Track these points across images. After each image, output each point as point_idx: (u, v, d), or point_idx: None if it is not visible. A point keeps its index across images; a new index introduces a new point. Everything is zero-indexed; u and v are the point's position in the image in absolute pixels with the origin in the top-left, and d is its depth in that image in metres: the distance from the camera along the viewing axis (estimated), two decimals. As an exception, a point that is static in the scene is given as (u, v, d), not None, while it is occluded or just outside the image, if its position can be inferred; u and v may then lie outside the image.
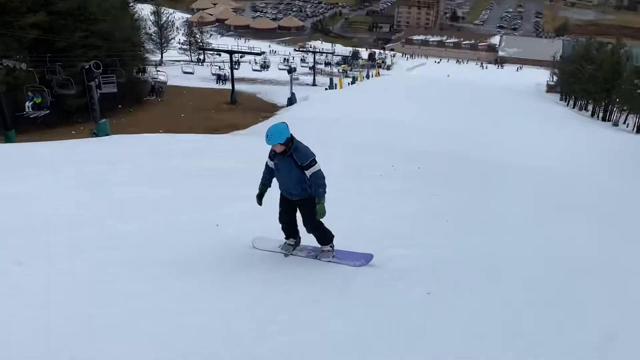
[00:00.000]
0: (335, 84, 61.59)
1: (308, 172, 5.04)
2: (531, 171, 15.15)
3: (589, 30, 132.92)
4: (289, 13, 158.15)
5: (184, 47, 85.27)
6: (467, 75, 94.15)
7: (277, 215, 5.51)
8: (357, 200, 8.51)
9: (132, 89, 39.79)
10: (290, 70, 48.01)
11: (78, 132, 32.67)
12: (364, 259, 5.52)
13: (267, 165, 5.34)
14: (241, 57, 56.30)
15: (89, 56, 33.00)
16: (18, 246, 5.50)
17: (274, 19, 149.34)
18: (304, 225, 5.42)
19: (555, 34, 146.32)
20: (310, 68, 72.42)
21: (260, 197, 5.38)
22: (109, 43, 36.80)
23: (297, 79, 54.92)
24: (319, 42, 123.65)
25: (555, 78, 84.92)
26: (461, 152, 19.44)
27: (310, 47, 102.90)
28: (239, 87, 55.11)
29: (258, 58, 62.73)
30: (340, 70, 75.83)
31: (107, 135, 20.23)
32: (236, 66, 60.50)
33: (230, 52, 45.87)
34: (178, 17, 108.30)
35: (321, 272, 5.36)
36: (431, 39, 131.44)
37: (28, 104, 23.20)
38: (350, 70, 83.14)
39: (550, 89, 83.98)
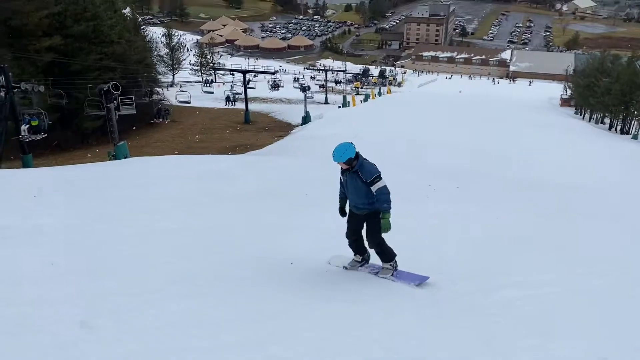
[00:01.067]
0: (349, 101, 61.21)
1: (373, 188, 5.27)
2: (587, 191, 14.27)
3: (600, 43, 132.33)
4: (298, 32, 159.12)
5: (195, 67, 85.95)
6: (479, 91, 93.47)
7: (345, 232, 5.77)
8: (416, 225, 7.80)
9: (145, 110, 39.63)
10: (305, 89, 47.52)
11: (94, 155, 32.38)
12: (419, 280, 5.57)
13: (340, 181, 5.70)
14: (254, 76, 56.01)
15: (104, 78, 32.93)
16: (74, 299, 4.56)
17: (283, 39, 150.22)
18: (367, 239, 5.61)
19: (566, 48, 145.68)
20: (321, 86, 72.26)
21: (342, 210, 5.77)
22: (124, 65, 36.70)
23: (312, 97, 54.53)
24: (329, 60, 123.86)
25: (569, 91, 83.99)
26: (493, 169, 18.67)
27: (321, 65, 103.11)
28: (251, 106, 54.95)
29: (268, 77, 62.77)
30: (353, 88, 75.41)
31: (125, 157, 19.77)
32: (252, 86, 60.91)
33: (244, 72, 45.67)
34: (188, 38, 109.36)
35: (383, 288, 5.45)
36: (441, 55, 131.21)
37: (24, 127, 22.20)
38: (362, 87, 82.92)
39: (564, 102, 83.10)
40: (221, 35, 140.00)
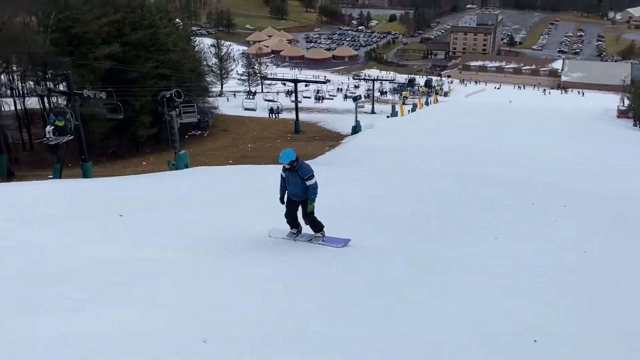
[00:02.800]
0: (397, 111, 60.04)
1: (307, 183, 7.20)
2: None
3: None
4: (343, 43, 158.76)
5: (243, 77, 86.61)
6: (529, 101, 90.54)
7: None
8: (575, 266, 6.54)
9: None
10: (355, 98, 46.67)
11: (149, 163, 32.39)
12: (344, 242, 7.65)
13: (282, 177, 7.45)
14: (306, 85, 55.49)
15: (160, 86, 32.96)
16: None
17: (327, 49, 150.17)
18: (303, 217, 7.59)
19: (622, 57, 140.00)
20: (367, 97, 71.34)
21: (282, 199, 7.59)
22: (178, 73, 36.78)
23: (362, 106, 53.55)
24: (374, 70, 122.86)
25: (626, 102, 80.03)
26: (576, 183, 17.16)
27: (365, 75, 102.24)
28: (300, 116, 54.50)
29: (312, 88, 62.24)
30: (402, 97, 74.16)
31: (186, 166, 19.29)
32: (290, 95, 60.48)
33: (295, 81, 45.16)
34: (235, 49, 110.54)
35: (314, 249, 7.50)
36: (489, 65, 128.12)
37: (49, 128, 20.80)
38: (410, 97, 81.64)
39: (621, 114, 79.14)
40: (267, 46, 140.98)
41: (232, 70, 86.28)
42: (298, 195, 7.39)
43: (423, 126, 44.66)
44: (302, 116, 54.31)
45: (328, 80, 56.65)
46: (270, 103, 50.13)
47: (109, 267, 5.55)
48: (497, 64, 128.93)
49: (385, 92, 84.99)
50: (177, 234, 7.69)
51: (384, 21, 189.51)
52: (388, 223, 9.28)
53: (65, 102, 20.04)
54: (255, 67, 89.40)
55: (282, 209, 7.64)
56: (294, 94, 55.27)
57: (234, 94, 67.87)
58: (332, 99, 62.55)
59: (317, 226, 7.70)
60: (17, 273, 5.11)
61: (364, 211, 9.97)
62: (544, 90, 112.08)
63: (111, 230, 7.63)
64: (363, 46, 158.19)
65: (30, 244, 6.45)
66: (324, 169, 20.43)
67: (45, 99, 33.84)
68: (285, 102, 58.04)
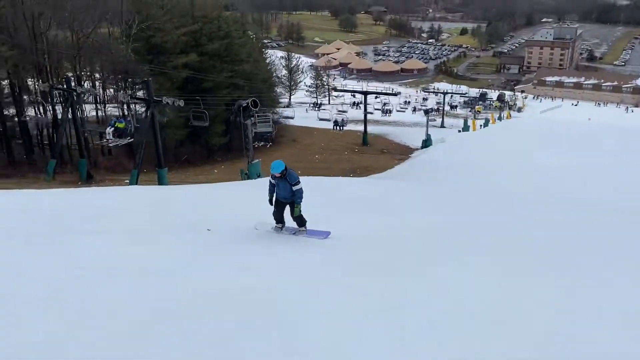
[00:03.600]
0: (469, 125, 58.11)
1: (294, 188, 8.43)
2: None
3: None
4: (412, 55, 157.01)
5: (311, 89, 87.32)
6: (610, 120, 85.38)
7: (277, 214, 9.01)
8: None
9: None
10: (427, 112, 45.44)
11: (220, 172, 32.74)
12: (324, 235, 8.94)
13: (270, 182, 8.65)
14: (375, 97, 54.75)
15: (233, 96, 33.31)
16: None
17: (396, 62, 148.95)
18: (291, 215, 8.79)
19: None
20: (437, 110, 69.52)
21: (271, 201, 8.75)
22: (251, 83, 37.12)
23: (434, 120, 52.10)
24: (443, 83, 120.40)
25: None
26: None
27: (434, 88, 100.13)
28: (361, 128, 53.91)
29: (378, 100, 61.12)
30: (475, 111, 71.88)
31: (259, 176, 19.05)
32: (356, 107, 59.81)
33: (365, 93, 44.57)
34: (304, 61, 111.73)
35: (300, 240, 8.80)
36: (567, 80, 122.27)
37: (109, 129, 21.11)
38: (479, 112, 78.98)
39: None
40: (335, 59, 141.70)
41: (300, 82, 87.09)
42: (286, 198, 8.60)
43: (499, 143, 42.72)
44: (370, 128, 53.60)
45: (398, 93, 55.48)
46: (335, 115, 48.47)
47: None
48: (575, 79, 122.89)
49: (456, 106, 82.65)
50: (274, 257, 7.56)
51: (455, 34, 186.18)
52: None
53: (144, 109, 20.25)
54: (323, 79, 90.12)
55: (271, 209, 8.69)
56: (359, 106, 54.70)
57: (303, 106, 68.07)
58: (403, 111, 61.10)
59: (302, 222, 8.93)
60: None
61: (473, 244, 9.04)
62: (627, 108, 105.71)
63: (217, 253, 7.53)
64: (433, 59, 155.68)
65: (140, 264, 6.51)
66: (404, 185, 19.58)
67: (125, 106, 35.01)
68: (350, 114, 57.29)
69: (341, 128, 49.35)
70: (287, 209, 8.79)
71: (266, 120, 22.55)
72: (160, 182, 20.89)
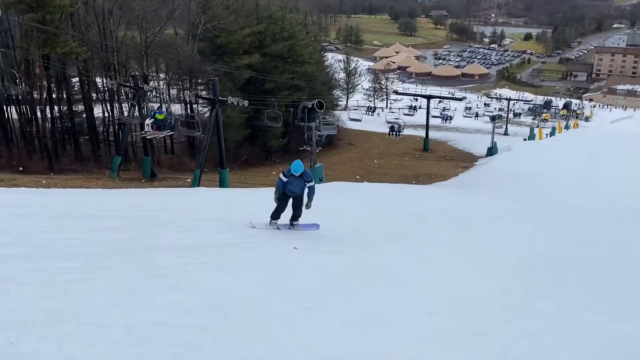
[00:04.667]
0: (535, 134, 55.64)
1: (309, 184, 9.13)
2: None
3: None
4: (473, 60, 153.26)
5: (369, 92, 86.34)
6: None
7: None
8: None
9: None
10: (494, 118, 43.59)
11: (278, 173, 32.37)
12: (315, 227, 9.85)
13: (281, 180, 9.23)
14: (439, 102, 53.23)
15: (294, 97, 32.90)
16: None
17: (457, 67, 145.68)
18: (296, 210, 9.51)
19: None
20: (499, 118, 66.97)
21: (278, 199, 9.37)
22: (313, 84, 36.66)
23: (501, 127, 50.04)
24: (505, 89, 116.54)
25: None
26: None
27: (496, 94, 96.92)
28: (419, 133, 52.43)
29: (438, 107, 59.25)
30: (542, 119, 68.93)
31: (321, 180, 18.37)
32: (413, 112, 58.10)
33: (428, 97, 43.22)
34: (362, 64, 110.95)
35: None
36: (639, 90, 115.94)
37: (148, 121, 20.48)
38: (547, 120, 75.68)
39: None
40: (394, 62, 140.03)
41: (358, 85, 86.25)
42: (296, 192, 9.06)
43: (568, 153, 40.43)
44: (431, 134, 52.17)
45: (464, 97, 53.71)
46: (392, 120, 46.58)
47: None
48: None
49: (520, 114, 79.56)
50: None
51: (518, 40, 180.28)
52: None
53: (209, 109, 20.02)
54: (382, 82, 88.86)
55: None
56: (416, 110, 53.14)
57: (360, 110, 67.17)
58: (470, 117, 58.91)
59: (298, 217, 9.51)
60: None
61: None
62: None
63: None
64: (495, 65, 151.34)
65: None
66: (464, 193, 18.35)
67: (188, 106, 35.35)
68: (406, 119, 55.58)
69: (397, 134, 47.41)
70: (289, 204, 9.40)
71: (330, 123, 21.84)
72: (222, 183, 20.59)
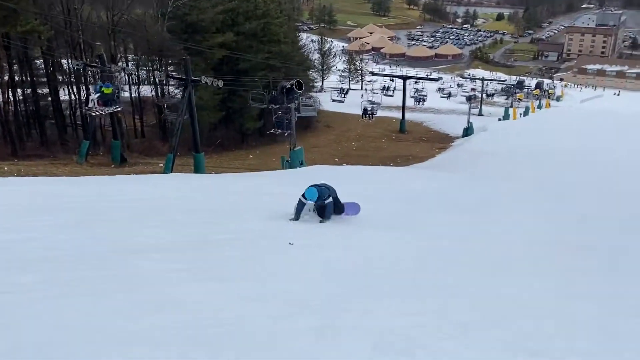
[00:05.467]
0: (510, 114, 55.87)
1: (326, 202, 8.68)
2: None
3: None
4: (446, 41, 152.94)
5: (344, 74, 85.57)
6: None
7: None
8: None
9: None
10: (470, 98, 43.33)
11: (255, 157, 31.57)
12: (356, 209, 9.30)
13: (300, 202, 8.67)
14: (416, 82, 52.63)
15: (270, 78, 31.95)
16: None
17: (430, 47, 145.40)
18: (322, 216, 8.96)
19: None
20: (473, 98, 66.99)
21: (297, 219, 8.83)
22: (289, 64, 35.72)
23: (477, 107, 49.87)
24: (479, 70, 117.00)
25: None
26: None
27: (469, 74, 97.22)
28: (394, 115, 52.00)
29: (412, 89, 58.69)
30: (515, 99, 69.36)
31: (301, 164, 17.69)
32: (392, 93, 57.42)
33: (404, 78, 42.71)
34: (336, 45, 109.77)
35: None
36: (609, 69, 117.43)
37: (93, 96, 18.91)
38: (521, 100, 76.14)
39: None
40: (367, 43, 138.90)
41: (333, 66, 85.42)
42: (320, 203, 8.76)
43: (544, 133, 40.60)
44: (407, 115, 51.77)
45: (440, 78, 53.38)
46: (365, 103, 43.34)
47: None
48: (617, 68, 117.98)
49: (493, 95, 79.81)
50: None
51: (490, 20, 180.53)
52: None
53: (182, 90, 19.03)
54: (357, 63, 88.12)
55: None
56: (389, 91, 52.18)
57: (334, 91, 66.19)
58: (446, 97, 58.48)
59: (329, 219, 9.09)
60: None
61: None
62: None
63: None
64: (468, 45, 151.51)
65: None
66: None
67: (159, 88, 34.08)
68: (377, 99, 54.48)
69: (370, 117, 45.37)
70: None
71: (309, 105, 21.10)
72: (197, 168, 19.73)
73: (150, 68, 34.84)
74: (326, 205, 8.61)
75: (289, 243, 7.13)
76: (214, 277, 5.50)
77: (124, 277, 5.21)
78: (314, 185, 8.55)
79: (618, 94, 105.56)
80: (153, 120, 37.11)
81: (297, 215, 8.67)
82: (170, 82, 32.96)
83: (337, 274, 6.00)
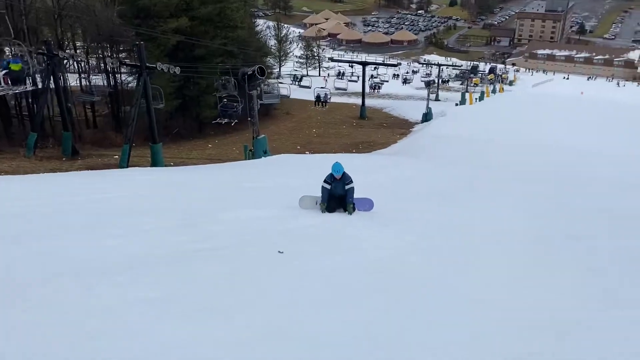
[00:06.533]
0: (466, 99, 56.58)
1: (347, 187, 8.70)
2: None
3: None
4: (401, 27, 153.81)
5: (301, 60, 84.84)
6: (603, 94, 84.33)
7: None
8: None
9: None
10: (429, 84, 43.51)
11: (214, 146, 30.69)
12: (369, 205, 9.14)
13: (324, 188, 8.76)
14: (375, 68, 52.46)
15: (227, 65, 31.01)
16: None
17: (385, 33, 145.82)
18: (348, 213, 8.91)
19: None
20: (432, 83, 67.55)
21: (327, 207, 8.85)
22: (247, 50, 34.75)
23: (435, 92, 50.07)
24: (434, 55, 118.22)
25: None
26: None
27: (425, 60, 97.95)
28: (350, 101, 51.78)
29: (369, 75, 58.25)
30: (472, 84, 70.35)
31: (265, 153, 17.09)
32: (341, 78, 56.97)
33: (364, 64, 42.42)
34: (292, 31, 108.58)
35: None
36: (558, 54, 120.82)
37: (0, 73, 16.89)
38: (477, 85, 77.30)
39: None
40: (324, 29, 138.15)
41: (290, 52, 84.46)
42: (341, 194, 8.73)
43: (501, 117, 41.38)
44: (366, 102, 51.58)
45: (399, 63, 53.37)
46: (318, 90, 40.86)
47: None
48: (566, 52, 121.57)
49: (447, 81, 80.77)
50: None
51: (444, 5, 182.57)
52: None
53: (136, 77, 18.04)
54: (314, 49, 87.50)
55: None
56: (344, 77, 51.75)
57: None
58: (404, 83, 58.38)
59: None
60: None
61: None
62: (618, 82, 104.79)
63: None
64: (422, 31, 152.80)
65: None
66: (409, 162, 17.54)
67: (111, 76, 32.53)
68: (344, 85, 53.76)
69: (324, 105, 43.37)
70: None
71: (272, 92, 20.43)
72: (155, 159, 18.85)
73: (101, 55, 33.19)
74: (347, 191, 8.57)
75: (279, 251, 6.19)
76: (201, 308, 4.38)
77: (73, 317, 3.85)
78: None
79: (567, 78, 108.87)
80: (105, 109, 35.55)
81: (323, 200, 8.68)
82: (123, 70, 31.53)
83: (352, 293, 5.06)
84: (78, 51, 35.09)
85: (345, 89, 43.22)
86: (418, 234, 7.46)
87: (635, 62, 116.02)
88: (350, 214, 8.58)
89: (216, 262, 5.68)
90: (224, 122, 22.54)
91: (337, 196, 8.75)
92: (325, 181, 8.56)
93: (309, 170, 10.83)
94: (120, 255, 5.50)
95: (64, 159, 21.85)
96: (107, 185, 9.15)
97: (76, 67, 31.70)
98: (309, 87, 35.93)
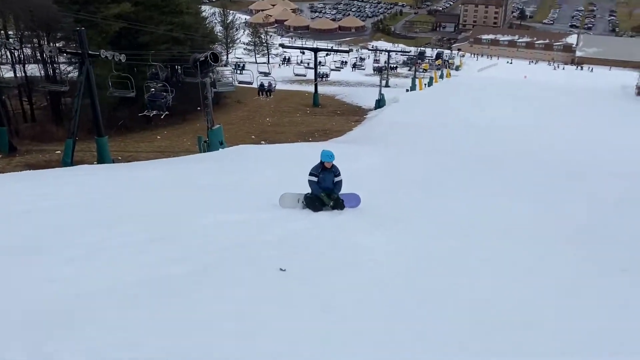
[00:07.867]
0: (416, 84, 56.99)
1: (336, 179, 8.40)
2: None
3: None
4: (349, 13, 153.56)
5: (249, 47, 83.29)
6: (544, 77, 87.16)
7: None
8: None
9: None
10: (380, 69, 43.29)
11: (164, 138, 29.30)
12: (356, 201, 8.72)
13: (313, 181, 8.27)
14: (327, 54, 51.55)
15: (174, 52, 29.73)
16: None
17: (333, 20, 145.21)
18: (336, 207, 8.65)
19: (637, 33, 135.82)
20: (383, 69, 67.70)
21: (327, 197, 8.37)
22: (194, 36, 33.36)
23: (386, 79, 50.02)
24: (382, 41, 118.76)
25: (647, 79, 76.62)
26: None
27: (373, 47, 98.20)
28: (301, 88, 51.13)
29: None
30: (421, 69, 70.96)
31: (221, 144, 16.23)
32: (286, 64, 56.03)
33: (315, 50, 41.71)
34: (238, 17, 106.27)
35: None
36: (501, 39, 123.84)
37: None
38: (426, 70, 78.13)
39: (641, 91, 75.81)
40: (271, 15, 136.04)
41: (237, 39, 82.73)
42: (328, 188, 8.27)
43: (452, 102, 41.96)
44: (318, 89, 50.97)
45: (351, 50, 52.97)
46: (262, 78, 38.38)
47: None
48: (509, 37, 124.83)
49: (396, 67, 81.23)
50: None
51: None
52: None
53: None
54: (262, 36, 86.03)
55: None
56: (289, 63, 50.86)
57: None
58: (353, 69, 57.92)
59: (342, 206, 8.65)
60: None
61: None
62: (557, 65, 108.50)
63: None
64: (370, 17, 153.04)
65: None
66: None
67: (48, 66, 30.51)
68: (277, 73, 51.90)
69: (268, 94, 40.91)
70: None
71: (226, 80, 19.49)
72: (101, 153, 17.64)
73: (37, 44, 31.03)
74: (336, 184, 8.23)
75: (280, 269, 5.27)
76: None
77: None
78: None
79: (511, 63, 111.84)
80: (44, 102, 33.41)
81: (317, 193, 8.16)
82: (62, 59, 29.60)
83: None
84: (11, 40, 32.77)
85: (304, 75, 42.23)
86: (420, 236, 6.90)
87: (573, 46, 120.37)
88: (342, 210, 8.13)
89: (204, 288, 4.62)
90: (152, 114, 21.09)
91: (324, 189, 8.19)
92: (311, 174, 8.06)
93: (276, 163, 10.16)
94: (81, 287, 4.29)
95: (0, 156, 20.23)
96: (53, 188, 7.79)
97: (9, 57, 29.55)
98: (250, 84, 32.76)
